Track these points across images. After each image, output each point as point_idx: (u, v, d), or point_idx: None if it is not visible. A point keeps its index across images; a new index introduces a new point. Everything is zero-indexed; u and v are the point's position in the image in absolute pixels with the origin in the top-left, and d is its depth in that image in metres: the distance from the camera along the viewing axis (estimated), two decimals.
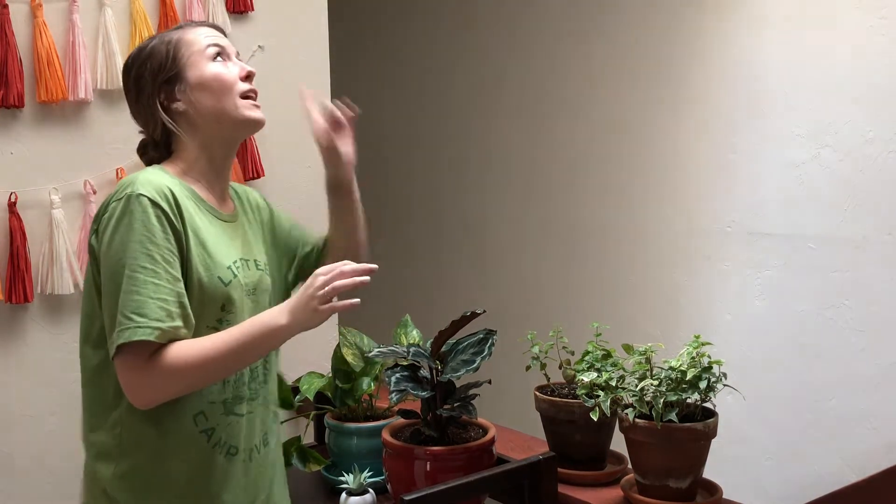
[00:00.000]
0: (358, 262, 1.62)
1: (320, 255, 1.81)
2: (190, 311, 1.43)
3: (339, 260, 1.70)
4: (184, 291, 1.42)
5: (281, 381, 1.93)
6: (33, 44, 2.00)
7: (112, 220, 1.42)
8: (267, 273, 1.65)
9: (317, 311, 1.41)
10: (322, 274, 1.43)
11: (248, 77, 1.57)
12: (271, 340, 1.45)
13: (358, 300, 1.43)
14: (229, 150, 1.61)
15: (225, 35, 1.62)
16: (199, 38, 1.56)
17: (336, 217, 1.78)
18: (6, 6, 1.95)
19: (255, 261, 1.61)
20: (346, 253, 1.74)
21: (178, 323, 1.40)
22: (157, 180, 1.45)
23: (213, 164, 1.58)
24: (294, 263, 1.78)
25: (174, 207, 1.44)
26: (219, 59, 1.55)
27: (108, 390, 1.47)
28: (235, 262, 1.54)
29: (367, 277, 1.44)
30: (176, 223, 1.43)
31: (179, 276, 1.42)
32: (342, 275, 1.43)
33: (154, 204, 1.41)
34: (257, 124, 1.59)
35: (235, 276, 1.52)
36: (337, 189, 1.74)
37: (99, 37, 2.09)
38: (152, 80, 1.54)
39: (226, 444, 1.52)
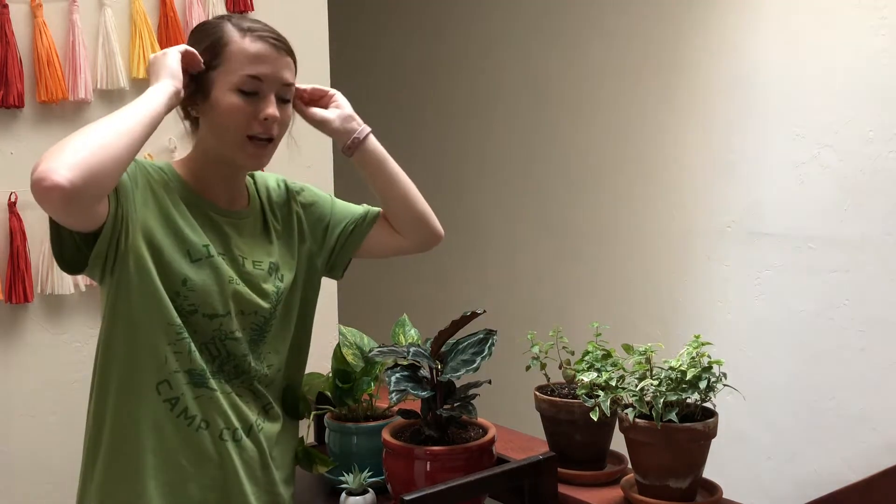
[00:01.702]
0: (424, 231, 1.73)
1: (370, 224, 1.74)
2: None
3: (406, 230, 1.73)
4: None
5: (295, 392, 1.87)
6: (33, 44, 2.00)
7: None
8: (271, 274, 1.60)
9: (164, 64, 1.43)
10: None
11: (266, 119, 1.49)
12: (152, 104, 1.39)
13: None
14: (235, 170, 1.58)
15: (288, 52, 1.53)
16: (244, 62, 1.47)
17: (373, 185, 1.71)
18: (6, 6, 1.95)
19: (254, 261, 1.58)
20: (408, 220, 1.72)
21: None
22: (156, 166, 1.51)
23: (219, 172, 1.55)
24: (336, 245, 1.72)
25: (140, 179, 1.45)
26: (249, 89, 1.48)
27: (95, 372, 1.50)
28: (221, 253, 1.52)
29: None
30: (155, 188, 1.46)
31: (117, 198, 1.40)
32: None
33: (143, 167, 1.47)
34: (252, 168, 1.56)
35: (210, 256, 1.49)
36: (349, 153, 1.67)
37: (99, 37, 2.09)
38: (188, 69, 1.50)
39: (194, 416, 1.49)
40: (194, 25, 1.58)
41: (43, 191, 1.24)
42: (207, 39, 1.49)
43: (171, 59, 1.44)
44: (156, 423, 1.47)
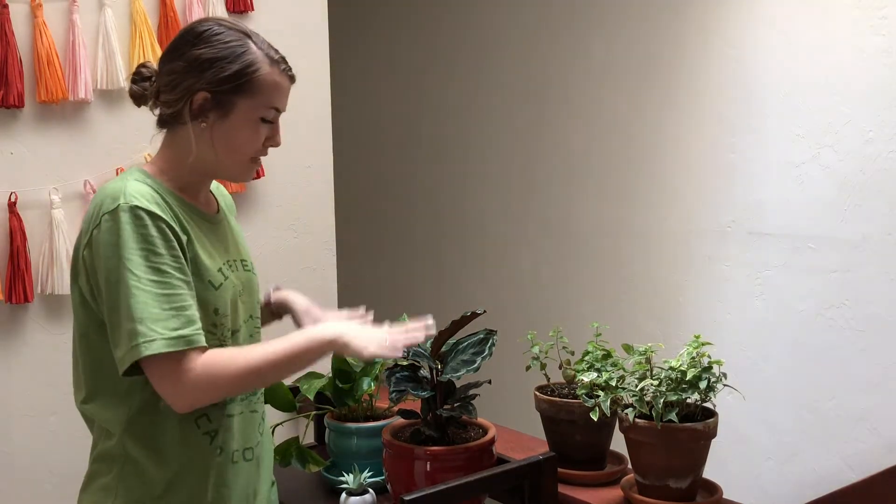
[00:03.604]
0: None
1: None
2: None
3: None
4: (194, 295, 1.42)
5: (279, 385, 1.92)
6: (33, 44, 2.00)
7: (109, 234, 1.38)
8: (254, 273, 1.63)
9: (366, 347, 1.46)
10: (390, 331, 1.51)
11: (269, 145, 1.54)
12: (315, 352, 1.46)
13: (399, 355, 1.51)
14: (214, 177, 1.60)
15: (294, 80, 1.56)
16: (271, 95, 1.49)
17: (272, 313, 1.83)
18: (6, 6, 1.95)
19: (241, 261, 1.59)
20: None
21: (194, 328, 1.38)
22: (147, 191, 1.42)
23: (203, 180, 1.56)
24: None
25: (170, 215, 1.42)
26: (268, 118, 1.51)
27: (119, 384, 1.45)
28: (227, 262, 1.53)
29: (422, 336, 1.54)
30: (175, 228, 1.41)
31: (189, 279, 1.41)
32: (408, 336, 1.52)
33: (156, 215, 1.39)
34: (243, 181, 1.65)
35: (227, 277, 1.51)
36: (273, 308, 1.79)
37: (99, 37, 2.09)
38: (206, 79, 1.46)
39: (225, 445, 1.51)
40: (203, 28, 1.49)
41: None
42: (237, 60, 1.46)
43: (343, 347, 1.47)
44: (191, 454, 1.47)
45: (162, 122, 1.53)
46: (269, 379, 1.48)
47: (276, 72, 1.50)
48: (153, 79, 1.51)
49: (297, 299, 1.77)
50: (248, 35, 1.50)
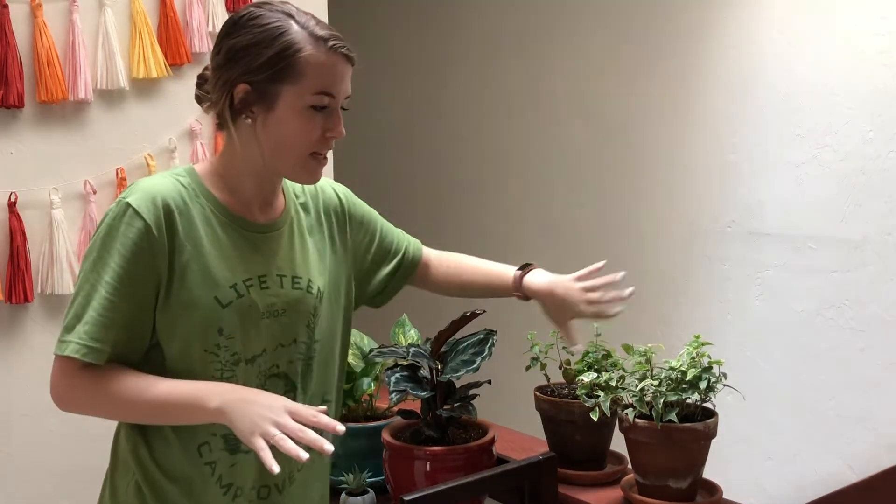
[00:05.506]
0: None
1: (412, 266, 1.78)
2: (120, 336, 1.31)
3: (429, 286, 1.85)
4: (133, 318, 1.31)
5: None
6: (33, 44, 2.00)
7: (102, 224, 1.32)
8: (311, 292, 1.45)
9: (253, 433, 1.23)
10: (292, 412, 1.26)
11: (333, 137, 1.37)
12: (192, 415, 1.30)
13: (306, 456, 1.24)
14: (279, 181, 1.45)
15: (354, 63, 1.37)
16: (319, 78, 1.32)
17: (485, 289, 1.85)
18: (6, 6, 1.95)
19: (293, 277, 1.42)
20: (444, 294, 1.87)
21: (109, 348, 1.30)
22: (159, 190, 1.32)
23: (258, 184, 1.41)
24: (387, 268, 1.72)
25: (165, 223, 1.31)
26: (320, 105, 1.33)
27: None
28: (249, 279, 1.37)
29: (306, 455, 1.24)
30: (163, 239, 1.31)
31: (141, 299, 1.31)
32: (303, 435, 1.25)
33: (140, 217, 1.29)
34: (308, 183, 1.45)
35: (241, 295, 1.36)
36: (518, 292, 1.77)
37: (99, 37, 2.09)
38: (241, 69, 1.32)
39: (227, 483, 1.40)
40: (241, 14, 1.36)
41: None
42: (273, 44, 1.31)
43: (228, 423, 1.27)
44: (193, 482, 1.38)
45: (218, 124, 1.41)
46: (152, 419, 1.34)
47: (323, 51, 1.32)
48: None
49: (542, 286, 1.71)
50: (290, 15, 1.34)
